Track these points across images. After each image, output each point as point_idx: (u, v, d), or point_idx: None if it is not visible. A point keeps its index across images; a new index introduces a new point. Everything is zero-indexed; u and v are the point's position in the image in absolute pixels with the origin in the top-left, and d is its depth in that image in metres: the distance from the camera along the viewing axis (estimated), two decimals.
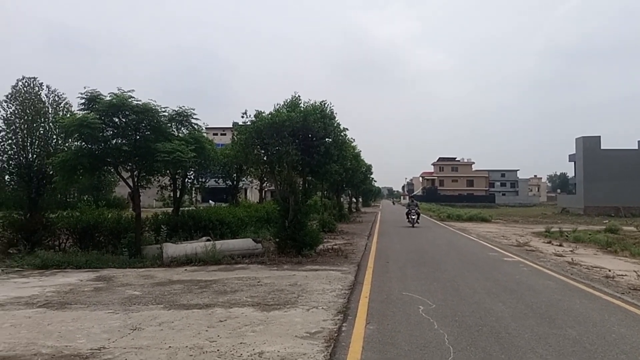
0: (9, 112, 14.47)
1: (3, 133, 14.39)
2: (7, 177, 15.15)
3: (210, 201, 40.33)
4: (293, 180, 14.22)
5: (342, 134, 14.09)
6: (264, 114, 13.21)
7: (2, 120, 14.41)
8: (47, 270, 11.53)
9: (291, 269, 11.63)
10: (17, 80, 14.82)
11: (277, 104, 13.89)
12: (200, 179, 19.60)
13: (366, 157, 40.73)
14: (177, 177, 16.81)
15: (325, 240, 16.22)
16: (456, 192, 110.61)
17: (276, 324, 6.69)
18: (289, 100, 13.92)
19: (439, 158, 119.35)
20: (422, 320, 6.93)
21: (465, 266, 12.53)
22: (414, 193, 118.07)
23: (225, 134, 67.61)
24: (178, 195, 17.44)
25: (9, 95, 14.62)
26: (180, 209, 17.25)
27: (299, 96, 13.97)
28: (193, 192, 29.85)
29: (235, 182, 24.00)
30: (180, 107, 13.64)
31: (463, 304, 8.05)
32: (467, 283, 10.03)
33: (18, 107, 14.51)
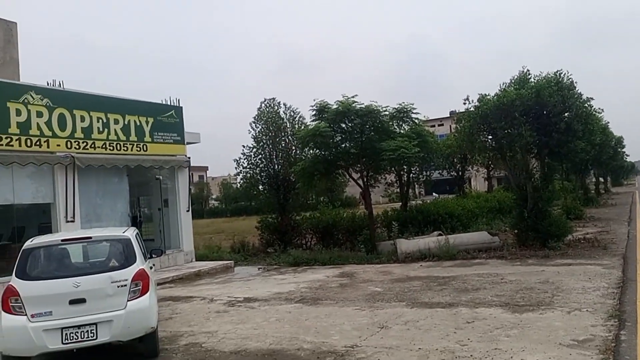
0: (257, 131, 16.80)
1: (254, 149, 16.77)
2: (260, 186, 17.62)
3: (434, 193, 39.86)
4: (528, 165, 12.81)
5: (585, 105, 12.07)
6: (488, 97, 12.22)
7: (252, 139, 16.82)
8: (299, 267, 12.82)
9: (538, 264, 10.42)
10: (261, 102, 17.12)
11: (503, 83, 12.71)
12: (424, 172, 19.45)
13: (615, 127, 34.48)
14: (402, 172, 16.95)
15: (573, 229, 14.15)
16: None
17: (533, 328, 5.94)
18: (515, 77, 12.59)
19: None
20: None
21: None
22: None
23: (442, 124, 66.25)
24: (404, 191, 17.60)
25: (256, 117, 16.96)
26: (408, 203, 17.35)
27: (527, 71, 12.53)
28: (417, 185, 29.92)
29: (460, 173, 23.11)
30: (400, 104, 13.68)
31: None
32: None
33: (263, 125, 16.72)
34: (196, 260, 14.61)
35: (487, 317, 6.58)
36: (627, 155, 46.94)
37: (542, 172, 12.91)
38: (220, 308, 8.44)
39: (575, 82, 12.20)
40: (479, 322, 6.36)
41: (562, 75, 12.14)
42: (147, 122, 13.48)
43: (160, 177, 14.26)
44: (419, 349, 5.46)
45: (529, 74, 12.49)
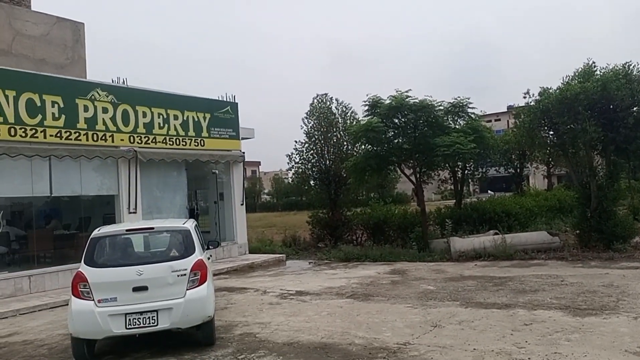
0: (309, 127, 16.92)
1: (306, 145, 16.92)
2: (311, 181, 17.77)
3: (490, 191, 38.68)
4: (592, 162, 12.17)
5: None
6: (550, 90, 11.69)
7: (304, 134, 16.97)
8: (349, 263, 12.84)
9: (601, 266, 9.91)
10: (313, 98, 17.24)
11: (566, 76, 12.12)
12: (480, 169, 18.90)
13: None
14: (456, 169, 16.56)
15: None
16: None
17: (595, 333, 5.67)
18: (580, 69, 11.97)
19: None
20: None
21: None
22: None
23: (499, 119, 64.03)
24: (459, 188, 17.19)
25: (308, 112, 17.10)
26: (462, 201, 16.94)
27: (593, 63, 11.87)
28: (471, 183, 29.12)
29: (518, 170, 22.27)
30: (455, 99, 13.34)
31: None
32: None
33: (315, 121, 16.82)
34: (249, 253, 14.97)
35: (546, 319, 6.34)
36: None
37: (607, 169, 12.21)
38: (273, 300, 8.61)
39: None
40: (538, 324, 6.14)
41: (631, 67, 11.41)
42: (204, 118, 13.91)
43: (216, 172, 14.70)
44: (474, 349, 5.35)
45: (595, 66, 11.84)
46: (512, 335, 5.75)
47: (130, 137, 12.21)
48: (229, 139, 14.56)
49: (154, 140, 12.67)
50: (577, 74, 12.00)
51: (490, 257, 11.72)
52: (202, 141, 13.76)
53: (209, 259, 6.94)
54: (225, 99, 14.74)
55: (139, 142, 12.37)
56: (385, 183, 40.04)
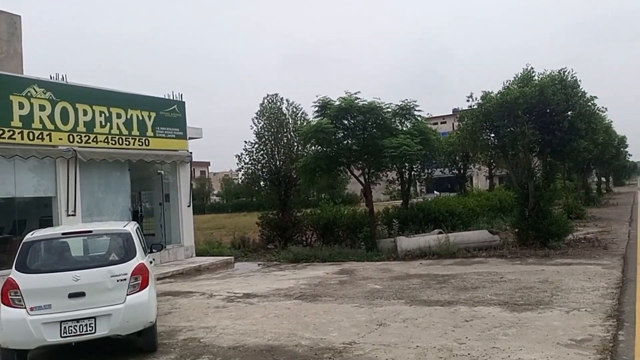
0: (259, 127, 16.78)
1: (257, 145, 16.76)
2: (261, 182, 17.63)
3: (435, 191, 39.84)
4: (530, 164, 12.78)
5: (589, 104, 12.01)
6: (491, 94, 12.18)
7: (254, 135, 16.81)
8: (299, 264, 12.83)
9: (538, 263, 10.41)
10: (263, 98, 17.09)
11: (507, 81, 12.65)
12: (426, 170, 19.41)
13: (618, 126, 34.38)
14: (403, 170, 16.92)
15: (574, 228, 14.13)
16: None
17: (531, 327, 5.93)
18: (519, 74, 12.53)
19: None
20: None
21: None
22: None
23: (445, 122, 66.02)
24: (406, 188, 17.58)
25: (258, 112, 16.95)
26: (409, 201, 17.33)
27: (531, 68, 12.46)
28: (418, 183, 29.88)
29: (462, 171, 23.06)
30: (403, 101, 13.64)
31: None
32: None
33: (265, 121, 16.70)
34: (196, 256, 14.65)
35: (486, 315, 6.58)
36: (629, 155, 46.68)
37: (544, 171, 12.87)
38: (219, 303, 8.46)
39: (579, 81, 12.15)
40: (478, 320, 6.36)
41: (566, 73, 12.09)
42: (149, 117, 13.49)
43: (162, 172, 14.29)
44: (417, 346, 5.47)
45: (533, 72, 12.44)
46: (453, 332, 5.93)
47: (69, 136, 11.67)
48: (176, 138, 14.20)
49: (95, 140, 12.16)
50: (516, 79, 12.56)
51: (434, 256, 12.05)
52: (146, 141, 13.34)
53: (151, 262, 6.72)
54: (171, 98, 14.36)
55: (79, 141, 11.84)
56: (335, 184, 40.35)
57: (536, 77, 12.21)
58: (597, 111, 12.71)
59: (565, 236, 12.65)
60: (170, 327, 7.02)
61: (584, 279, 8.55)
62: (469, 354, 5.14)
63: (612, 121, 26.53)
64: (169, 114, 14.05)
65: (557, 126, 11.72)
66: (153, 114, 13.58)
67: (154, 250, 7.54)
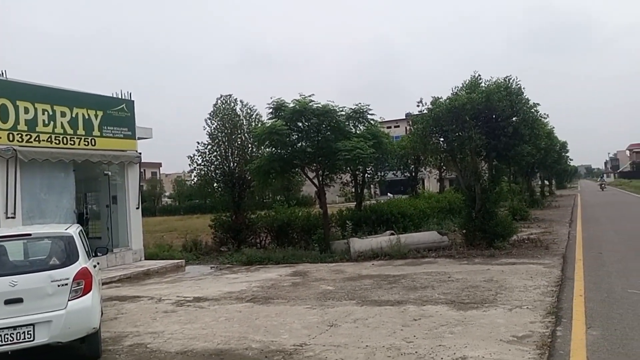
0: (212, 128, 16.53)
1: (209, 146, 16.50)
2: (215, 184, 17.35)
3: (389, 194, 40.54)
4: (477, 167, 13.25)
5: (532, 110, 12.59)
6: (441, 100, 12.53)
7: (207, 135, 16.54)
8: (252, 266, 12.72)
9: (484, 263, 10.79)
10: (217, 98, 16.84)
11: (455, 87, 13.06)
12: (379, 173, 19.72)
13: (559, 132, 36.18)
14: (357, 173, 17.12)
15: (518, 229, 14.76)
16: None
17: (476, 325, 6.14)
18: (467, 81, 12.97)
19: None
20: None
21: None
22: (621, 169, 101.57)
23: (398, 126, 67.41)
24: (359, 191, 17.79)
25: (212, 113, 16.69)
26: (362, 203, 17.55)
27: (479, 75, 12.92)
28: (372, 186, 30.31)
29: (413, 174, 23.59)
30: (357, 105, 13.80)
31: None
32: None
33: (219, 122, 16.46)
34: (146, 259, 14.23)
35: (434, 314, 6.76)
36: (570, 160, 49.25)
37: (490, 174, 13.37)
38: (168, 308, 8.26)
39: (523, 88, 12.71)
40: (426, 319, 6.52)
41: (511, 80, 12.60)
42: (96, 116, 13.00)
43: (109, 173, 13.79)
44: (366, 346, 5.54)
45: (480, 79, 12.89)
46: (402, 331, 6.05)
47: (9, 134, 11.07)
48: (124, 138, 13.75)
49: (37, 139, 11.59)
50: (465, 85, 12.99)
51: (386, 257, 12.25)
52: (93, 140, 12.85)
53: (95, 266, 6.48)
54: (120, 96, 13.90)
55: (20, 140, 11.26)
56: (290, 186, 40.29)
57: (483, 84, 12.67)
58: (540, 117, 13.34)
59: (510, 237, 13.17)
60: (116, 333, 6.79)
61: (527, 277, 8.92)
62: (416, 352, 5.25)
63: (554, 127, 27.94)
64: (117, 113, 13.59)
65: (502, 131, 12.21)
66: (100, 113, 13.10)
67: (99, 254, 7.28)
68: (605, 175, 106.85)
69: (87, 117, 12.76)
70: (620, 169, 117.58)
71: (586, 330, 5.67)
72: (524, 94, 12.62)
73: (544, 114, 13.68)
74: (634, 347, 5.01)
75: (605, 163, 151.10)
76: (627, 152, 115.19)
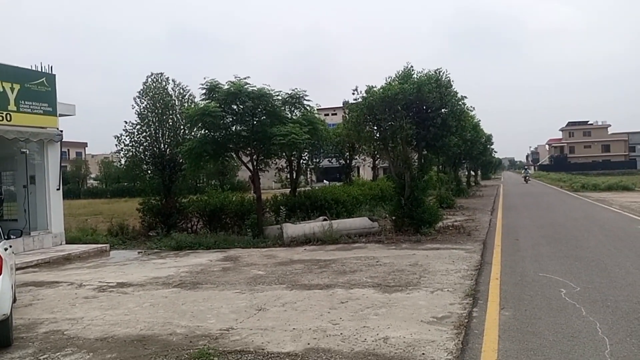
0: (142, 107, 15.79)
1: (138, 127, 15.77)
2: (144, 166, 16.66)
3: (325, 181, 41.01)
4: (408, 156, 13.67)
5: (460, 103, 13.14)
6: (375, 89, 12.77)
7: (136, 115, 15.80)
8: (181, 251, 12.41)
9: (410, 248, 11.21)
10: (147, 76, 16.10)
11: (389, 77, 13.35)
12: (314, 160, 19.82)
13: (485, 126, 38.23)
14: (292, 158, 17.11)
15: (444, 217, 15.45)
16: (589, 159, 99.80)
17: (399, 307, 6.38)
18: (400, 71, 13.29)
19: (568, 123, 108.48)
20: (566, 306, 6.15)
21: (611, 242, 11.09)
22: (540, 162, 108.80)
23: (335, 114, 68.00)
24: (294, 177, 17.82)
25: (141, 91, 15.93)
26: (297, 189, 17.61)
27: (411, 67, 13.30)
28: (308, 172, 30.46)
29: (348, 161, 23.94)
30: (293, 90, 13.75)
31: (614, 286, 7.04)
32: (616, 262, 8.82)
33: (149, 101, 15.75)
34: (67, 244, 13.50)
35: (360, 297, 6.94)
36: (495, 152, 52.12)
37: (420, 163, 13.85)
38: (89, 294, 7.89)
39: (453, 81, 13.22)
40: (352, 302, 6.69)
41: (441, 73, 13.06)
42: (12, 89, 12.05)
43: (27, 151, 12.87)
44: (293, 329, 5.60)
45: (412, 70, 13.26)
46: (329, 313, 6.16)
47: None
48: (44, 114, 12.86)
49: None
50: (398, 75, 13.30)
51: (319, 242, 12.40)
52: (8, 115, 11.91)
53: (6, 250, 6.04)
54: (40, 70, 12.95)
55: None
56: (225, 171, 39.62)
57: (415, 75, 13.05)
58: (467, 110, 13.97)
59: (436, 223, 13.75)
60: (30, 320, 6.40)
61: (449, 262, 9.37)
62: (341, 333, 5.38)
63: (480, 120, 29.38)
64: (36, 87, 12.67)
65: (431, 122, 12.66)
66: (17, 86, 12.15)
67: (12, 237, 6.84)
68: (528, 167, 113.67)
69: (1, 89, 11.80)
70: (540, 162, 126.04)
71: (499, 311, 6.05)
72: (453, 87, 13.15)
73: (471, 107, 14.35)
74: (540, 326, 5.41)
75: (527, 156, 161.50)
76: (547, 147, 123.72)
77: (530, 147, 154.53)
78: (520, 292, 6.98)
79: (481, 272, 8.42)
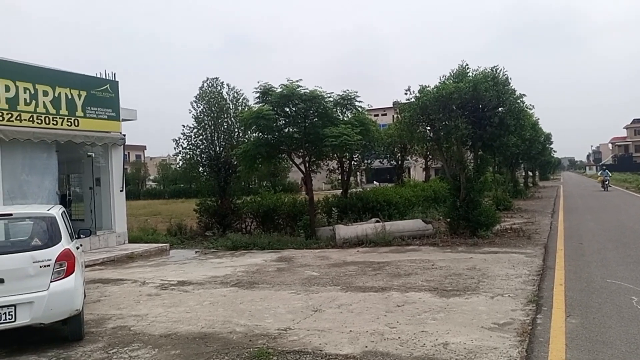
0: (198, 111, 16.33)
1: (195, 130, 16.31)
2: (200, 168, 17.21)
3: (375, 182, 40.74)
4: (462, 156, 13.33)
5: (518, 101, 12.66)
6: (428, 88, 12.54)
7: (193, 119, 16.34)
8: (237, 251, 12.69)
9: (467, 251, 10.92)
10: (203, 81, 16.62)
11: (443, 76, 13.07)
12: (365, 161, 19.75)
13: (544, 124, 36.73)
14: (344, 160, 17.13)
15: (501, 219, 14.95)
16: None
17: (458, 312, 6.23)
18: (455, 70, 12.98)
19: (634, 120, 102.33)
20: (639, 315, 5.79)
21: None
22: (602, 162, 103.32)
23: (385, 114, 67.41)
24: (345, 178, 17.82)
25: (197, 96, 16.47)
26: (348, 190, 17.59)
27: (466, 65, 12.94)
28: (358, 173, 30.37)
29: (399, 162, 23.68)
30: (344, 91, 13.72)
31: None
32: None
33: (205, 106, 16.27)
34: (129, 243, 14.12)
35: (417, 300, 6.83)
36: (554, 152, 49.85)
37: (475, 164, 13.46)
38: (152, 291, 8.22)
39: (510, 79, 12.75)
40: (409, 305, 6.59)
41: (498, 71, 12.63)
42: (79, 96, 12.76)
43: (93, 155, 13.59)
44: (350, 331, 5.59)
45: (468, 68, 12.91)
46: (385, 317, 6.11)
47: None
48: (108, 119, 13.53)
49: (18, 118, 11.36)
50: (452, 74, 13.00)
51: (371, 244, 12.32)
52: (76, 121, 12.63)
53: (77, 248, 6.40)
54: (104, 77, 13.64)
55: (1, 119, 11.02)
56: (277, 172, 40.14)
57: (470, 74, 12.69)
58: (525, 108, 13.43)
59: (493, 226, 13.32)
60: (99, 316, 6.74)
61: (509, 266, 9.06)
62: (399, 337, 5.31)
63: (539, 119, 28.23)
64: (100, 94, 13.35)
65: (488, 121, 12.27)
66: (83, 93, 12.86)
67: (82, 236, 7.21)
68: (586, 167, 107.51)
69: (70, 97, 12.52)
70: (603, 162, 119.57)
71: (565, 318, 5.79)
72: (511, 85, 12.68)
73: (530, 105, 13.78)
74: (611, 335, 5.13)
75: (588, 156, 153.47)
76: (610, 145, 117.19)
77: (591, 146, 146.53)
78: (587, 299, 6.64)
79: (544, 278, 8.08)
